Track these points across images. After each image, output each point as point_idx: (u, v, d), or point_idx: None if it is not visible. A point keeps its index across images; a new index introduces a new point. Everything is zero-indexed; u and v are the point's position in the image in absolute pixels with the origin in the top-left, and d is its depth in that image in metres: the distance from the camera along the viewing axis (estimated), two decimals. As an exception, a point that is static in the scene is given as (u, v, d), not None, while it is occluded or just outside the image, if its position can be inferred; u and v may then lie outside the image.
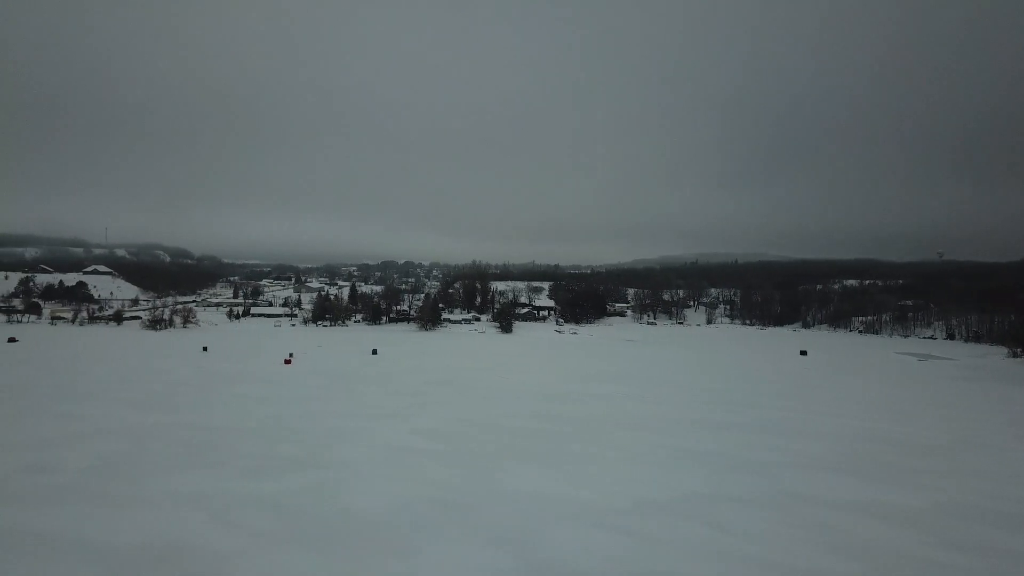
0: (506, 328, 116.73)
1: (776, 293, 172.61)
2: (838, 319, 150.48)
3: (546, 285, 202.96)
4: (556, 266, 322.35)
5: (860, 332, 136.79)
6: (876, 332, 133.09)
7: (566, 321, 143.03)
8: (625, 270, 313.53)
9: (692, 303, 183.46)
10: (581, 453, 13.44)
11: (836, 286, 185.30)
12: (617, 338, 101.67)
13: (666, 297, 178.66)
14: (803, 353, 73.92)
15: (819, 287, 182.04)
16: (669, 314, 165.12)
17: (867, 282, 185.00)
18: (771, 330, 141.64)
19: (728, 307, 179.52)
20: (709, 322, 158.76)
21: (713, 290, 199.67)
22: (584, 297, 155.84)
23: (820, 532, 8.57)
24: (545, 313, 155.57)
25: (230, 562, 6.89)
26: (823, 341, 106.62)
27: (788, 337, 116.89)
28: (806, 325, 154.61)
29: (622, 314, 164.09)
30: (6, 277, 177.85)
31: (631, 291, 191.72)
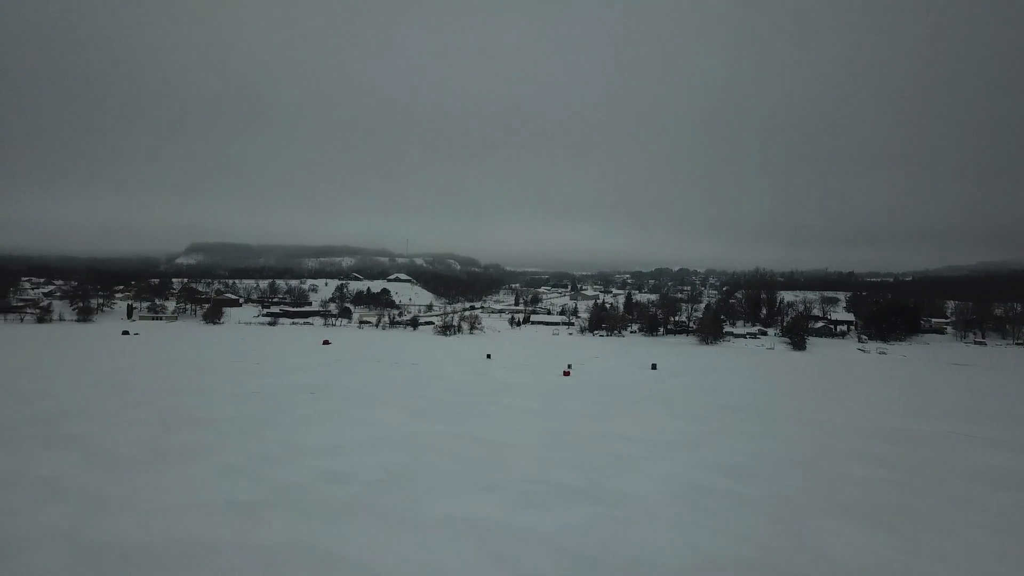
0: (798, 344, 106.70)
1: None
2: None
3: (841, 296, 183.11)
4: (851, 273, 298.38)
5: None
6: None
7: (869, 338, 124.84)
8: (934, 278, 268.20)
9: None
10: (926, 514, 10.51)
11: None
12: (940, 360, 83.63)
13: (998, 312, 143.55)
14: None
15: None
16: (1002, 332, 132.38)
17: None
18: None
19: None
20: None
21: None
22: (891, 310, 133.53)
23: None
24: (843, 328, 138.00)
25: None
26: None
27: None
28: None
29: (940, 331, 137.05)
30: (326, 284, 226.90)
31: (951, 304, 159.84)
